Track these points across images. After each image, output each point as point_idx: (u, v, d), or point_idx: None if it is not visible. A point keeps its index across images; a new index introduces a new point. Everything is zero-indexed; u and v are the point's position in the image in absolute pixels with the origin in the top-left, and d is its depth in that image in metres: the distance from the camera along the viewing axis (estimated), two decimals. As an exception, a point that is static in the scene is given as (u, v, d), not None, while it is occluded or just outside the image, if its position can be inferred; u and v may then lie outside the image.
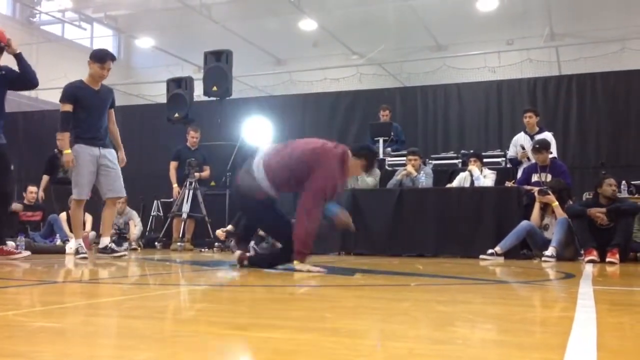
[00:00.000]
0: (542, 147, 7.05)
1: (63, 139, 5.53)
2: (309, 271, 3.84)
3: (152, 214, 9.97)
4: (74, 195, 5.63)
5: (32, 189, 8.78)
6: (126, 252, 6.17)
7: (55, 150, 9.02)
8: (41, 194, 9.08)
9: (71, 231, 8.36)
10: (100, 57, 5.62)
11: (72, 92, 5.57)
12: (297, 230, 3.99)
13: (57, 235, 8.30)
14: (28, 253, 5.64)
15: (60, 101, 5.61)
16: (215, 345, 1.51)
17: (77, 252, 5.55)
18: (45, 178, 9.17)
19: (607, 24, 14.65)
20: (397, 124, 9.49)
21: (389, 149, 8.84)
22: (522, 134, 7.95)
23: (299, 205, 4.03)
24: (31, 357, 1.31)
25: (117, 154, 5.80)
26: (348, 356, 1.36)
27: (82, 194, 5.61)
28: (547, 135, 7.63)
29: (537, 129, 7.80)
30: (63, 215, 8.59)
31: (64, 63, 17.21)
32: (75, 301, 2.51)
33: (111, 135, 5.86)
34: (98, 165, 5.60)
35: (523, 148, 7.66)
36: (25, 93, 13.58)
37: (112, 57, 5.68)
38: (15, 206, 8.20)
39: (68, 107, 5.53)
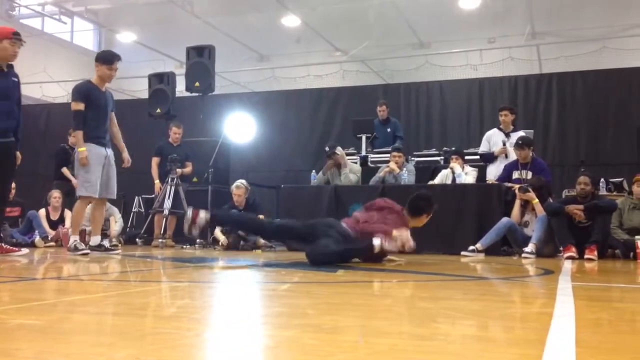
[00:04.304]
0: (524, 143, 7.10)
1: (77, 136, 5.57)
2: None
3: (133, 210, 9.89)
4: (83, 192, 5.64)
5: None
6: (120, 250, 6.14)
7: (64, 144, 8.82)
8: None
9: (51, 228, 8.32)
10: (108, 59, 5.73)
11: (86, 92, 5.64)
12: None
13: (36, 231, 8.20)
14: (27, 250, 5.58)
15: (73, 100, 5.66)
16: (197, 342, 1.50)
17: (75, 248, 5.52)
18: (65, 170, 8.73)
19: (588, 23, 14.82)
20: (395, 119, 9.48)
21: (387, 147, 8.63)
22: (495, 130, 7.93)
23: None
24: (10, 355, 1.29)
25: (122, 155, 5.99)
26: (330, 352, 1.36)
27: (94, 192, 5.65)
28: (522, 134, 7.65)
29: (511, 127, 7.83)
30: (42, 211, 8.48)
31: (44, 57, 17.01)
32: (54, 298, 2.48)
33: (114, 137, 6.00)
34: (103, 164, 5.71)
35: (504, 144, 7.65)
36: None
37: (119, 58, 5.76)
38: None
39: (81, 106, 5.59)
